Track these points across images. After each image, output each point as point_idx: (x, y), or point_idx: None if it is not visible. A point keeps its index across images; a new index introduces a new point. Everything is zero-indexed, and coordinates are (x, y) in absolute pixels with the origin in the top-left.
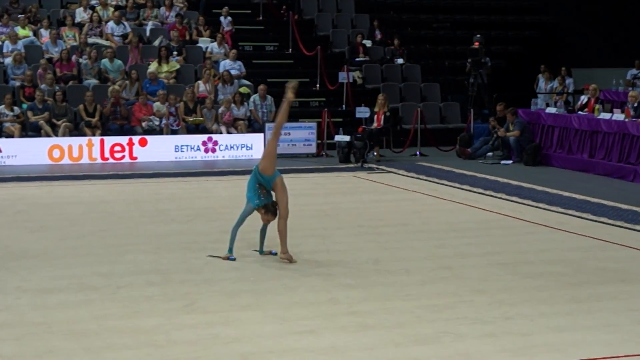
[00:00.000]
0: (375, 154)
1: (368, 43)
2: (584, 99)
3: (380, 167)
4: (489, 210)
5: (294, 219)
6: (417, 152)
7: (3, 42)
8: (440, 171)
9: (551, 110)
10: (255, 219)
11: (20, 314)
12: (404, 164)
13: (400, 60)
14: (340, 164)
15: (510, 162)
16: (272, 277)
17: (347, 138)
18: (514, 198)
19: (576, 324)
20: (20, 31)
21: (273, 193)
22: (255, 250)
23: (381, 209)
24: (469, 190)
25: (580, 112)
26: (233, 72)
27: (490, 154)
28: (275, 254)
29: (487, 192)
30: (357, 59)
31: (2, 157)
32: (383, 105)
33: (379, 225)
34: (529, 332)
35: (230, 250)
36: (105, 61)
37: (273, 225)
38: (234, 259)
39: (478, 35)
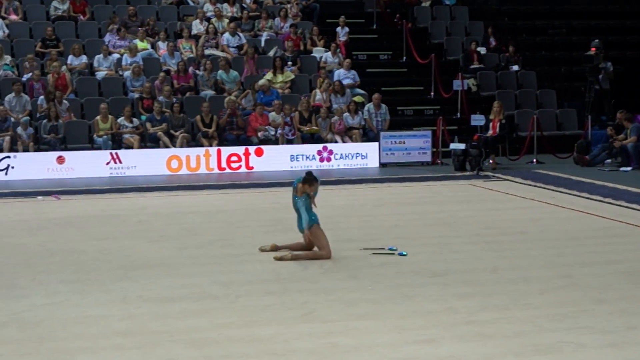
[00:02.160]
0: (491, 161)
1: (482, 50)
2: None
3: (496, 175)
4: (608, 218)
5: (410, 228)
6: (534, 160)
7: (122, 55)
8: (558, 179)
9: None
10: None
11: (143, 322)
12: (520, 171)
13: (515, 67)
14: (456, 172)
15: (629, 168)
16: (390, 286)
17: (462, 146)
18: (634, 205)
19: None
20: (139, 44)
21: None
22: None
23: (498, 217)
24: (588, 198)
25: None
26: (347, 81)
27: (608, 160)
28: (404, 254)
29: (607, 200)
30: (472, 67)
31: (122, 167)
32: (498, 113)
33: (496, 233)
34: None
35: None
36: (221, 72)
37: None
38: (405, 254)
39: (596, 41)
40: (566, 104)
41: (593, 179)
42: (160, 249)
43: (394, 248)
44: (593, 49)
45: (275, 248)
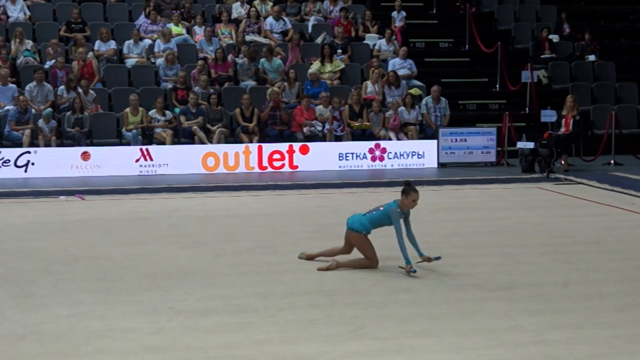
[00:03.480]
0: (562, 162)
1: (555, 38)
2: None
3: (569, 177)
4: None
5: (471, 236)
6: (611, 161)
7: (154, 40)
8: (638, 182)
9: None
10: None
11: (174, 337)
12: (595, 174)
13: (592, 57)
14: (523, 174)
15: None
16: (448, 301)
17: (531, 145)
18: None
19: None
20: (173, 29)
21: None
22: (402, 267)
23: (570, 225)
24: None
25: None
26: (403, 71)
27: None
28: (438, 258)
29: None
30: (543, 56)
31: (153, 165)
32: (572, 108)
33: (568, 243)
34: None
35: (408, 261)
36: (263, 60)
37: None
38: (415, 272)
39: None
40: None
41: None
42: (193, 256)
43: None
44: None
45: (309, 257)
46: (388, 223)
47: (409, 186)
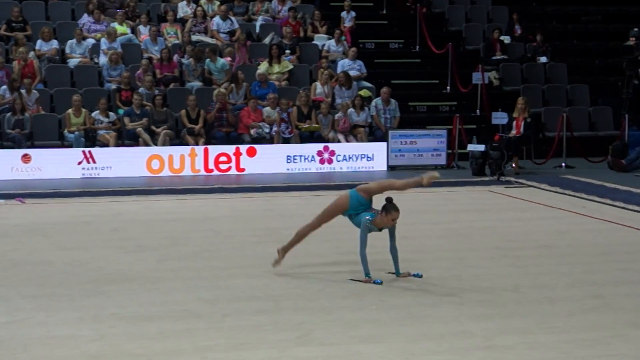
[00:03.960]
0: (513, 165)
1: (506, 39)
2: None
3: (520, 180)
4: None
5: (421, 240)
6: (562, 164)
7: (98, 40)
8: (589, 185)
9: None
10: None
11: (116, 344)
12: (546, 177)
13: (543, 59)
14: (474, 176)
15: None
16: (397, 306)
17: (481, 147)
18: None
19: None
20: (118, 28)
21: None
22: (391, 273)
23: (521, 229)
24: (623, 208)
25: None
26: (353, 72)
27: None
28: (420, 276)
29: None
30: (494, 58)
31: (96, 168)
32: (523, 110)
33: (518, 247)
34: None
35: (368, 274)
36: (208, 61)
37: (403, 244)
38: (380, 283)
39: (635, 30)
40: (600, 101)
41: (630, 187)
42: (137, 261)
43: (380, 282)
44: (632, 38)
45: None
46: (357, 225)
47: (390, 203)
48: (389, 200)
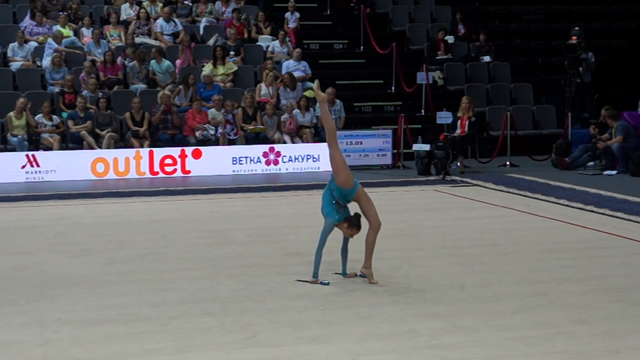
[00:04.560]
0: (459, 164)
1: (450, 39)
2: None
3: (465, 179)
4: (590, 228)
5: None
6: (507, 163)
7: (41, 43)
8: (534, 184)
9: None
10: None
11: (62, 348)
12: (491, 175)
13: (486, 58)
14: (420, 176)
15: (614, 172)
16: (344, 306)
17: (426, 147)
18: (619, 214)
19: None
20: (60, 30)
21: (355, 204)
22: (337, 274)
23: (466, 227)
24: (567, 206)
25: None
26: (297, 73)
27: (591, 163)
28: (363, 276)
29: (588, 208)
30: (438, 57)
31: (40, 172)
32: (467, 110)
33: (464, 245)
34: None
35: (316, 275)
36: (153, 62)
37: (356, 242)
38: (327, 284)
39: (576, 28)
40: (544, 100)
41: (573, 184)
42: (82, 265)
43: (327, 283)
44: (574, 37)
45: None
46: (323, 206)
47: (357, 220)
48: (357, 216)
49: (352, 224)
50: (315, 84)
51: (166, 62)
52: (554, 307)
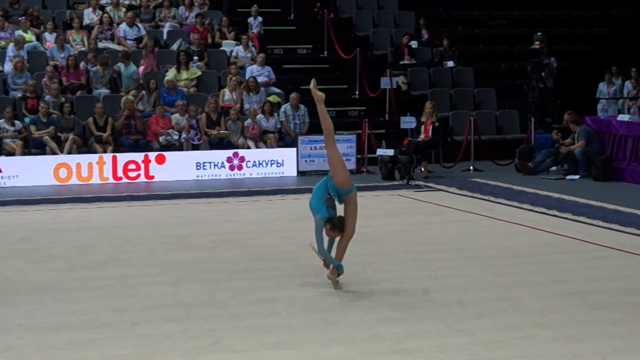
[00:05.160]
0: (422, 169)
1: (414, 44)
2: None
3: (429, 184)
4: (553, 233)
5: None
6: (470, 167)
7: (3, 48)
8: (497, 188)
9: (624, 117)
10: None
11: (23, 355)
12: (455, 180)
13: (450, 63)
14: (384, 181)
15: (577, 177)
16: (308, 311)
17: (390, 152)
18: (581, 218)
19: None
20: (23, 35)
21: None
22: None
23: (430, 232)
24: (530, 210)
25: None
26: (261, 78)
27: (554, 168)
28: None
29: (551, 212)
30: (402, 63)
31: (2, 177)
32: (431, 115)
33: (428, 250)
34: None
35: (340, 267)
36: (121, 65)
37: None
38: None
39: (539, 34)
40: (507, 105)
41: (536, 189)
42: (45, 271)
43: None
44: (537, 42)
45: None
46: (314, 200)
47: (340, 222)
48: (340, 219)
49: (335, 226)
50: (312, 83)
51: (133, 67)
52: (517, 311)
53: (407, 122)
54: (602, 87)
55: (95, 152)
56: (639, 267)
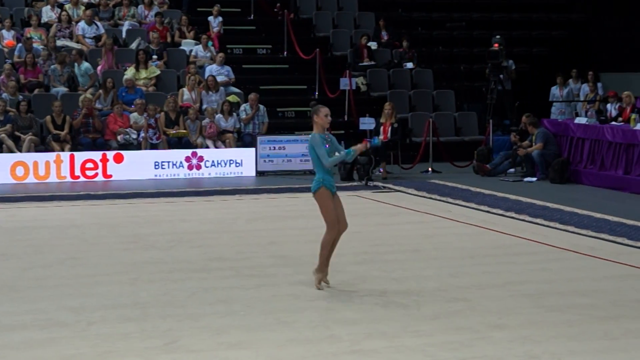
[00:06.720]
0: (381, 170)
1: (373, 45)
2: (610, 108)
3: (387, 185)
4: (510, 234)
5: (289, 245)
6: (429, 169)
7: None
8: (455, 190)
9: (581, 120)
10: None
11: None
12: (413, 181)
13: (409, 65)
14: (342, 182)
15: (534, 179)
16: (265, 311)
17: None
18: (538, 220)
19: None
20: None
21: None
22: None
23: (388, 233)
24: (488, 212)
25: (614, 123)
26: (220, 78)
27: (511, 170)
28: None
29: (508, 214)
30: (361, 64)
31: None
32: (390, 116)
33: (386, 251)
34: None
35: (349, 151)
36: (75, 64)
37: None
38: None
39: (498, 36)
40: (466, 107)
41: (494, 191)
42: (0, 270)
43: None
44: (495, 44)
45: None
46: (316, 157)
47: (316, 104)
48: (314, 102)
49: (316, 110)
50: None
51: (85, 64)
52: (474, 312)
53: (366, 123)
54: (555, 90)
55: (53, 150)
56: (595, 269)
